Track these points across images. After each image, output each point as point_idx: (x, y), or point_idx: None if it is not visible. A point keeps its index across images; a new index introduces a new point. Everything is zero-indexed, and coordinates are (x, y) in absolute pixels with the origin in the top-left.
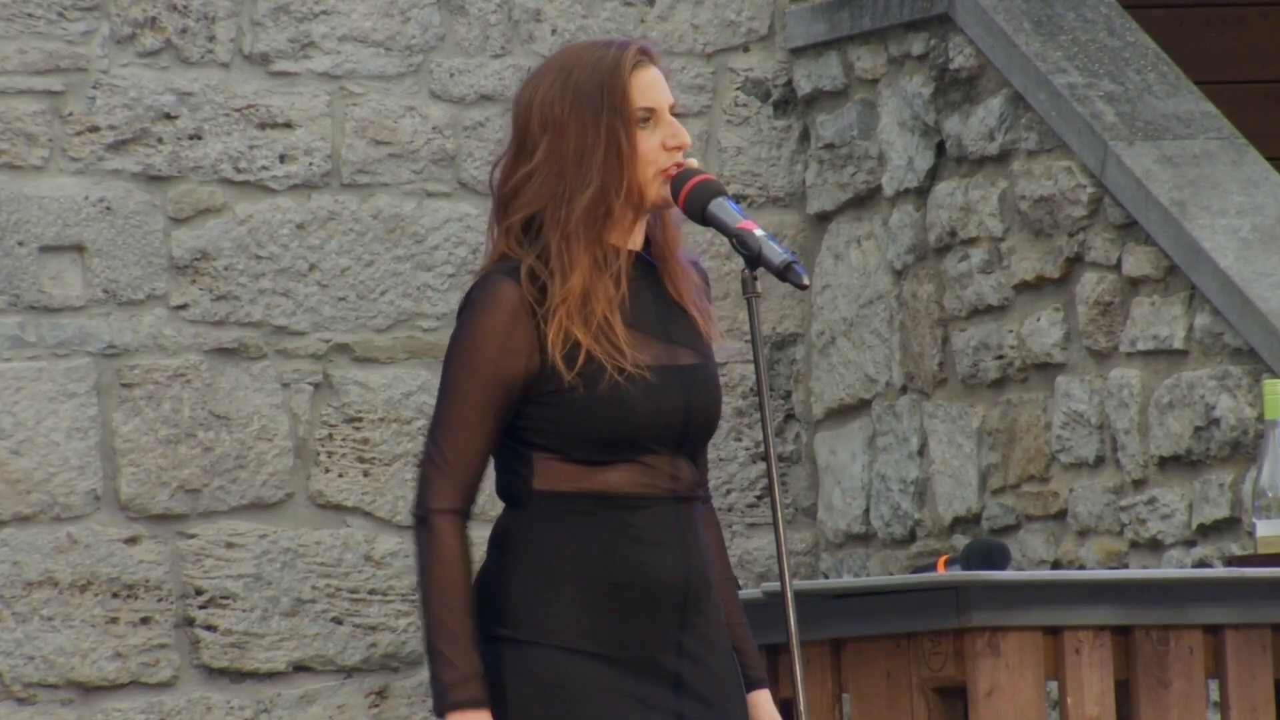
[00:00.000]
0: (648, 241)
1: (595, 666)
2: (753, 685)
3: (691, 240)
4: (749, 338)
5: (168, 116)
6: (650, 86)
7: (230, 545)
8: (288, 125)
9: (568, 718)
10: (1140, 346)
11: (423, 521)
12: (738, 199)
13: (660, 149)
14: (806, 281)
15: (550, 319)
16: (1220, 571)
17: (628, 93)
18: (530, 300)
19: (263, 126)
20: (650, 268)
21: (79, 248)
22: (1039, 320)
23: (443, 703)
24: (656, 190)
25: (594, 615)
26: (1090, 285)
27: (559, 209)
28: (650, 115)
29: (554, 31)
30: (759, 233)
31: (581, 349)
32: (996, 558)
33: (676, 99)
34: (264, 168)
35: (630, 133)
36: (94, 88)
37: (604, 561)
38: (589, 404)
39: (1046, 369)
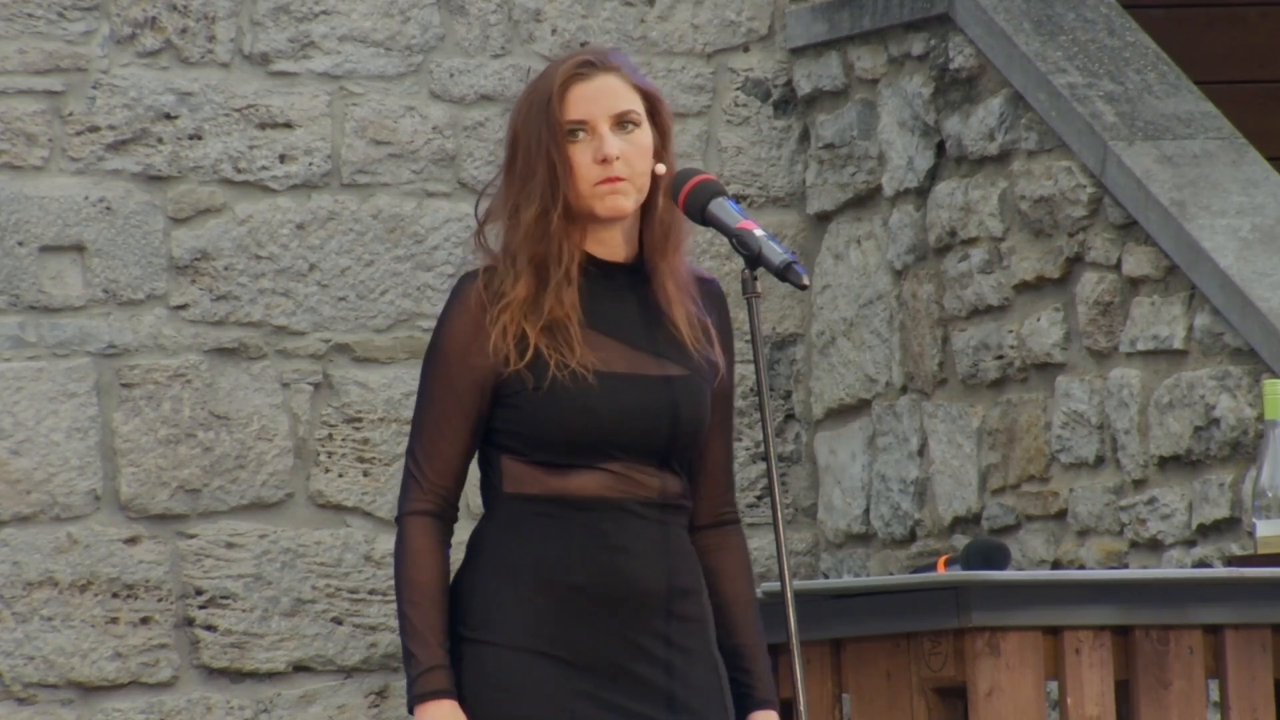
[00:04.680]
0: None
1: (547, 666)
2: (756, 705)
3: (692, 240)
4: (749, 338)
5: (168, 116)
6: (585, 99)
7: (230, 545)
8: (288, 125)
9: (517, 715)
10: (1140, 346)
11: (397, 522)
12: (738, 199)
13: (592, 162)
14: (806, 281)
15: (495, 321)
16: (1220, 571)
17: (556, 108)
18: (486, 301)
19: (263, 126)
20: (641, 279)
21: (79, 248)
22: (1039, 320)
23: (410, 697)
24: (602, 204)
25: (549, 617)
26: (1090, 285)
27: (507, 220)
28: (582, 127)
29: (554, 31)
30: (759, 233)
31: (530, 344)
32: (996, 558)
33: (675, 99)
34: (264, 168)
35: (561, 148)
36: (94, 88)
37: (562, 563)
38: (540, 402)
39: (1046, 369)
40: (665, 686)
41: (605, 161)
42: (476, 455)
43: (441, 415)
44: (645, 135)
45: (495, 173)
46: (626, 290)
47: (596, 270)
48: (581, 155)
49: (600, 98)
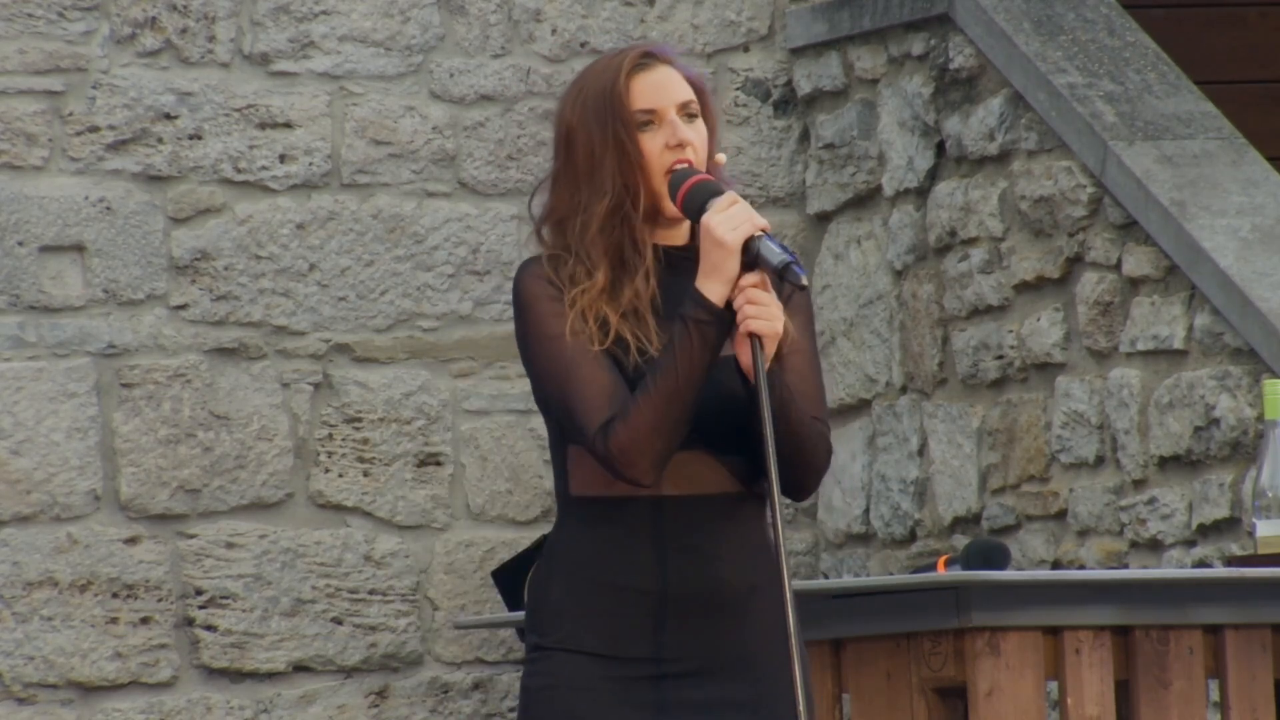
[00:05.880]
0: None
1: (614, 668)
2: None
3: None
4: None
5: (168, 116)
6: (652, 88)
7: (230, 545)
8: (288, 125)
9: (583, 717)
10: (1140, 346)
11: (601, 442)
12: None
13: (664, 150)
14: (805, 281)
15: (573, 304)
16: (1220, 571)
17: (625, 98)
18: (557, 281)
19: (263, 126)
20: (693, 262)
21: (79, 248)
22: (1039, 320)
23: (697, 304)
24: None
25: (617, 620)
26: (1090, 285)
27: (577, 217)
28: (651, 117)
29: (554, 31)
30: (758, 232)
31: (612, 328)
32: (996, 558)
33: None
34: (264, 168)
35: (633, 138)
36: (94, 88)
37: (626, 567)
38: None
39: (1046, 369)
40: (730, 683)
41: (680, 146)
42: (549, 451)
43: (591, 361)
44: (703, 126)
45: (547, 172)
46: (687, 276)
47: (665, 259)
48: (652, 143)
49: (666, 87)
